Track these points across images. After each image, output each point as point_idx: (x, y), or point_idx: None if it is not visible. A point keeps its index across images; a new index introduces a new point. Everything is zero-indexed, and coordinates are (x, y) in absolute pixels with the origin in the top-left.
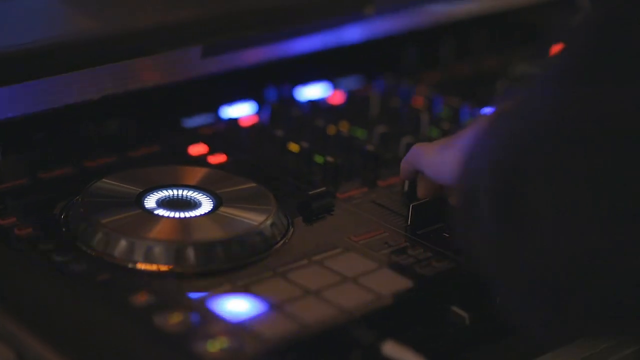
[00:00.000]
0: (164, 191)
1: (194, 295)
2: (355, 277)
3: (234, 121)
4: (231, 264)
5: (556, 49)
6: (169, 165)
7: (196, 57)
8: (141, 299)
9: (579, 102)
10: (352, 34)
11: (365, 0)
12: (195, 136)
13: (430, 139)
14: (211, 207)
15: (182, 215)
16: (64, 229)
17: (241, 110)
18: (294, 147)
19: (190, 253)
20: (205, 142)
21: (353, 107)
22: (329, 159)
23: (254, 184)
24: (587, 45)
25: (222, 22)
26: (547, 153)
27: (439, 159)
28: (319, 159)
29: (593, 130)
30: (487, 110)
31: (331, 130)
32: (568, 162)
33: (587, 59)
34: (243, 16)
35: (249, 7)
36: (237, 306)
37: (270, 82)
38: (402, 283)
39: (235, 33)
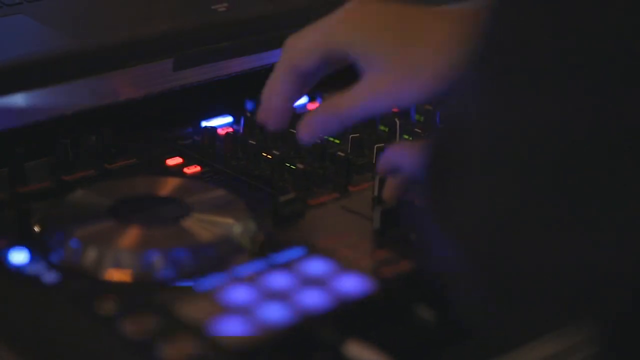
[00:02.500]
0: (136, 202)
1: (159, 302)
2: (320, 280)
3: (210, 132)
4: (199, 271)
5: None
6: (142, 176)
7: (169, 69)
8: (107, 307)
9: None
10: None
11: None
12: (172, 148)
13: None
14: (181, 216)
15: (151, 224)
16: (37, 241)
17: (219, 122)
18: (267, 155)
19: (156, 261)
20: (181, 154)
21: None
22: (300, 166)
23: (224, 192)
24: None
25: (194, 35)
26: (480, 105)
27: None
28: (291, 166)
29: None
30: None
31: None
32: (500, 113)
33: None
34: (216, 28)
35: (222, 19)
36: (201, 311)
37: (247, 94)
38: (367, 284)
39: (208, 45)
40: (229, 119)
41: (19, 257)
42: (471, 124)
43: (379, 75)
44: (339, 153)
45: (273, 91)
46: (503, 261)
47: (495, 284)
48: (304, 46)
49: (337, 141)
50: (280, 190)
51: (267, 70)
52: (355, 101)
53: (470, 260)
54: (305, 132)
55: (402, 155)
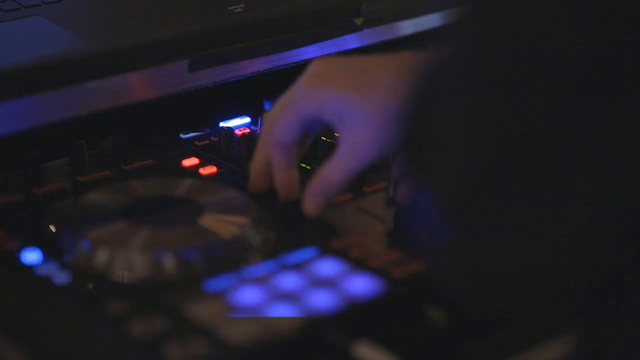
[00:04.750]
0: (149, 203)
1: (168, 302)
2: (330, 281)
3: (227, 133)
4: (211, 272)
5: None
6: (156, 177)
7: (185, 70)
8: (117, 307)
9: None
10: (345, 44)
11: (354, 11)
12: (189, 149)
13: None
14: (194, 217)
15: (162, 225)
16: (51, 243)
17: (236, 123)
18: None
19: (167, 262)
20: (197, 155)
21: None
22: (315, 167)
23: (236, 193)
24: None
25: (211, 36)
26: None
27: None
28: (306, 167)
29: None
30: None
31: (322, 138)
32: (471, 85)
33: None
34: (233, 29)
35: (238, 20)
36: (211, 312)
37: (264, 95)
38: (378, 285)
39: (225, 46)
40: (246, 120)
41: (32, 257)
42: (441, 109)
43: (355, 133)
44: None
45: (275, 168)
46: (482, 225)
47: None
48: (281, 123)
49: None
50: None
51: (284, 70)
52: (342, 167)
53: (450, 225)
54: (310, 210)
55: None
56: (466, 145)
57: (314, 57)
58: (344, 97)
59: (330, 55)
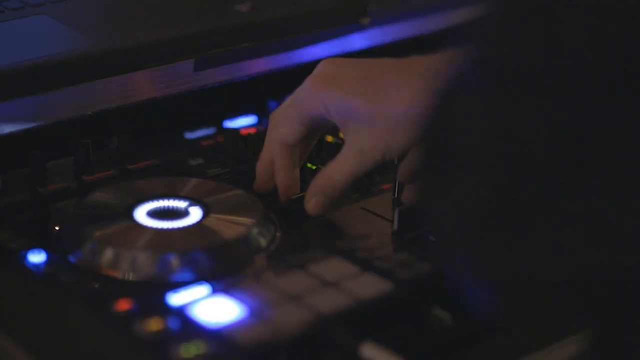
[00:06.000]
0: (154, 202)
1: (174, 302)
2: (337, 281)
3: (233, 133)
4: (215, 271)
5: None
6: (161, 177)
7: (190, 70)
8: (123, 307)
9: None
10: (350, 43)
11: (360, 11)
12: (194, 148)
13: None
14: (199, 217)
15: (169, 225)
16: (56, 242)
17: (241, 122)
18: None
19: (173, 262)
20: (203, 154)
21: None
22: (321, 166)
23: (242, 192)
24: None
25: (217, 35)
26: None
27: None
28: (312, 166)
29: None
30: None
31: (329, 139)
32: (489, 106)
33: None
34: (238, 28)
35: (244, 20)
36: (216, 313)
37: (270, 94)
38: (383, 286)
39: (230, 45)
40: (252, 120)
41: (37, 257)
42: (462, 122)
43: (361, 135)
44: None
45: (276, 167)
46: (496, 248)
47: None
48: (285, 123)
49: None
50: (300, 190)
51: (290, 70)
52: (345, 169)
53: (466, 246)
54: (311, 209)
55: None
56: (489, 160)
57: (320, 58)
58: (351, 99)
59: (338, 57)
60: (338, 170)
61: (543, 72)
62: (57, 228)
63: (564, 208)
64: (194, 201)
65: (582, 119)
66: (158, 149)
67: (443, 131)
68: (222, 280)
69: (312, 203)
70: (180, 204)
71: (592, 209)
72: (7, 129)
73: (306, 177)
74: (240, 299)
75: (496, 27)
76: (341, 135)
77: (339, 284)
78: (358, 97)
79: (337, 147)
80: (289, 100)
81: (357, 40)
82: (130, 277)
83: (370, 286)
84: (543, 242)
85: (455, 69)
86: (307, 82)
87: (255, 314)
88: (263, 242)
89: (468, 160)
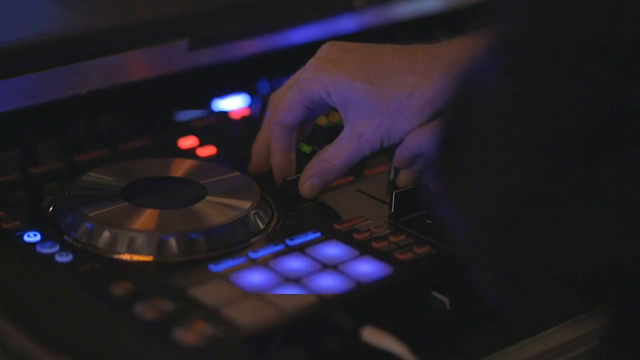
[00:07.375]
0: (149, 183)
1: (174, 284)
2: (335, 264)
3: (225, 114)
4: (213, 253)
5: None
6: (155, 158)
7: (184, 50)
8: (122, 288)
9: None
10: (342, 25)
11: None
12: (187, 129)
13: None
14: (195, 198)
15: (165, 206)
16: (50, 222)
17: (233, 103)
18: None
19: (171, 243)
20: (196, 135)
21: None
22: (316, 148)
23: (238, 174)
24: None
25: (211, 15)
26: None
27: None
28: (306, 148)
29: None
30: None
31: (322, 120)
32: (508, 100)
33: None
34: (232, 9)
35: (238, 0)
36: (216, 294)
37: (262, 75)
38: (382, 269)
39: (224, 26)
40: (244, 100)
41: (31, 238)
42: (486, 102)
43: (360, 120)
44: None
45: (273, 148)
46: (514, 242)
47: (507, 266)
48: (285, 104)
49: None
50: (295, 172)
51: (284, 51)
52: (343, 152)
53: (482, 240)
54: (305, 191)
55: (421, 141)
56: (512, 149)
57: (313, 39)
58: (353, 82)
59: (341, 40)
60: (336, 155)
61: (575, 51)
62: (51, 209)
63: (591, 197)
64: (190, 182)
65: (613, 97)
66: (150, 129)
67: (463, 122)
68: (220, 262)
69: (307, 185)
70: (177, 185)
71: (624, 195)
72: None
73: (302, 160)
74: (239, 281)
75: (526, 9)
76: (333, 119)
77: (338, 267)
78: (360, 80)
79: (329, 130)
80: (290, 81)
81: (350, 22)
82: (127, 258)
83: (368, 269)
84: (571, 232)
85: (475, 55)
86: (309, 64)
87: (253, 297)
88: (260, 224)
89: (490, 153)
